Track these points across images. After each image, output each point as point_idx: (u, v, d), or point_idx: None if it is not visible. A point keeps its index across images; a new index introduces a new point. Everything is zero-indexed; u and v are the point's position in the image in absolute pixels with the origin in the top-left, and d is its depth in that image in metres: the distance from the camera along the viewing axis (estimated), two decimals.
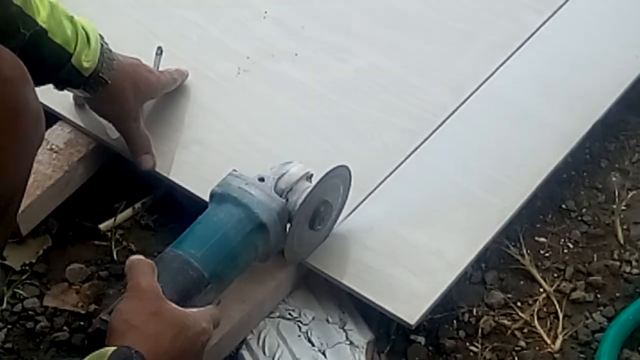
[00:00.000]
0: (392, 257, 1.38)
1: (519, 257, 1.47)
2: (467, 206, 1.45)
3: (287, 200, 1.28)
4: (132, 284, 1.14)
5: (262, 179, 1.28)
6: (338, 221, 1.39)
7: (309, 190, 1.28)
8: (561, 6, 1.71)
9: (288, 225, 1.29)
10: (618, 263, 1.48)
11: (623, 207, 1.54)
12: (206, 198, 1.40)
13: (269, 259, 1.31)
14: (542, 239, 1.51)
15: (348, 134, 1.52)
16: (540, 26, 1.69)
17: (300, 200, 1.28)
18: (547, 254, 1.49)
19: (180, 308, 1.13)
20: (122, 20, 1.67)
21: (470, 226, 1.43)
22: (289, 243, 1.30)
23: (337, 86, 1.57)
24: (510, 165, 1.49)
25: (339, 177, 1.32)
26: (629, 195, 1.55)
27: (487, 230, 1.42)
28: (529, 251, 1.48)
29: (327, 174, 1.28)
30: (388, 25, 1.67)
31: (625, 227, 1.52)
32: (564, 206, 1.55)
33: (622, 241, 1.50)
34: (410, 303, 1.34)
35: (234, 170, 1.30)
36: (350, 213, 1.43)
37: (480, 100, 1.58)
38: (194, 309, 1.16)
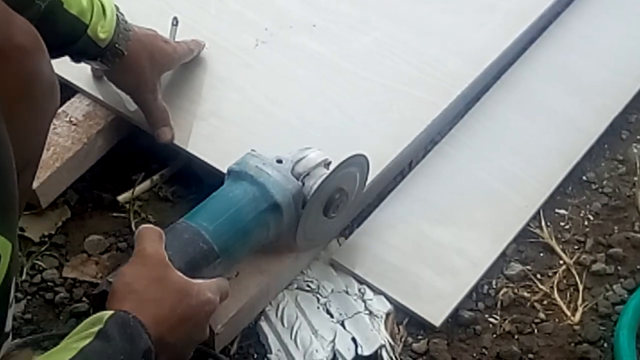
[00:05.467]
0: (416, 255, 1.39)
1: (539, 230, 1.45)
2: (490, 203, 1.45)
3: (303, 184, 1.26)
4: (137, 250, 1.13)
5: (280, 161, 1.27)
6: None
7: (324, 176, 1.26)
8: None
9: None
10: (639, 235, 1.46)
11: None
12: (224, 170, 1.39)
13: (279, 240, 1.29)
14: (562, 211, 1.49)
15: (366, 105, 1.50)
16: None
17: (316, 186, 1.25)
18: (567, 226, 1.47)
19: (185, 277, 1.12)
20: None
21: (492, 224, 1.43)
22: (300, 227, 1.28)
23: (355, 57, 1.55)
24: (531, 161, 1.50)
25: (357, 166, 1.30)
26: None
27: (509, 229, 1.43)
28: (548, 223, 1.46)
29: (344, 161, 1.27)
30: None
31: None
32: (584, 178, 1.53)
33: None
34: (435, 304, 1.34)
35: (253, 150, 1.29)
36: (374, 209, 1.42)
37: (501, 93, 1.58)
38: (199, 280, 1.14)
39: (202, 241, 1.18)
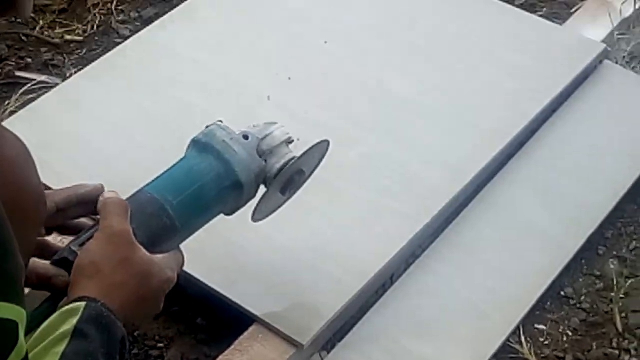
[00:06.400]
0: None
1: (518, 345, 1.45)
2: (470, 317, 1.45)
3: (265, 161, 1.27)
4: (104, 224, 1.11)
5: (246, 137, 1.26)
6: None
7: (291, 160, 1.28)
8: (561, 94, 1.73)
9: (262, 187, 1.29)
10: (617, 351, 1.46)
11: (621, 295, 1.53)
12: (206, 281, 1.40)
13: (233, 214, 1.30)
14: (542, 326, 1.49)
15: (350, 219, 1.52)
16: (540, 115, 1.70)
17: (279, 165, 1.27)
18: (546, 342, 1.47)
19: (148, 254, 1.11)
20: (125, 103, 1.68)
21: (472, 339, 1.43)
22: (259, 204, 1.30)
23: (340, 171, 1.57)
24: (510, 276, 1.50)
25: (319, 150, 1.34)
26: (627, 283, 1.54)
27: (489, 344, 1.43)
28: (528, 338, 1.46)
29: (311, 148, 1.30)
30: (389, 111, 1.68)
31: (623, 315, 1.50)
32: (562, 293, 1.53)
33: (620, 329, 1.48)
34: None
35: (219, 120, 1.28)
36: (357, 322, 1.42)
37: (481, 208, 1.59)
38: (160, 255, 1.14)
39: (166, 216, 1.18)
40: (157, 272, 1.12)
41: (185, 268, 1.39)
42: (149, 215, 1.17)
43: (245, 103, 1.67)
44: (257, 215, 1.33)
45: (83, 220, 1.22)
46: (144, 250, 1.11)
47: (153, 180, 1.22)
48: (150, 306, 1.12)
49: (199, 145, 1.25)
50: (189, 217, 1.21)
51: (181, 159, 1.25)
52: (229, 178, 1.23)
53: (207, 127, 1.26)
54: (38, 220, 1.09)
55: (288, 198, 1.36)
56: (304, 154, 1.28)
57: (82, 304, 1.01)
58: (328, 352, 1.40)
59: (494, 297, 1.48)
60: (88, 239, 1.11)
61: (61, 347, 0.97)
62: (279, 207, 1.36)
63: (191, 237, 1.43)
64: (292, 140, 1.31)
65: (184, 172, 1.23)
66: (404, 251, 1.48)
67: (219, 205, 1.25)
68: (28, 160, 1.07)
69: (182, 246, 1.40)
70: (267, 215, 1.36)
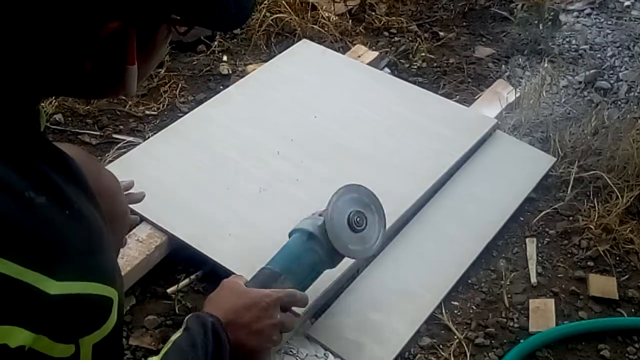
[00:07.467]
0: (361, 331, 1.39)
1: (441, 315, 1.47)
2: (409, 297, 1.46)
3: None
4: (221, 284, 1.13)
5: (314, 214, 1.31)
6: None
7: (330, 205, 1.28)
8: (468, 152, 1.73)
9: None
10: (505, 320, 1.48)
11: (508, 283, 1.54)
12: (237, 271, 1.39)
13: (335, 263, 1.29)
14: (456, 303, 1.50)
15: None
16: (454, 165, 1.71)
17: (323, 217, 1.28)
18: (459, 313, 1.49)
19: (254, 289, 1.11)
20: (185, 157, 1.68)
21: (410, 311, 1.43)
22: (335, 243, 1.26)
23: (324, 202, 1.55)
24: (435, 271, 1.51)
25: (354, 192, 1.31)
26: (512, 275, 1.56)
27: (421, 314, 1.45)
28: (447, 311, 1.48)
29: (335, 193, 1.30)
30: (357, 163, 1.68)
31: (509, 296, 1.52)
32: (469, 281, 1.55)
33: (507, 305, 1.50)
34: None
35: (313, 213, 1.33)
36: (334, 301, 1.42)
37: (417, 225, 1.59)
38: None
39: (266, 268, 1.22)
40: (255, 291, 1.10)
41: (222, 263, 1.42)
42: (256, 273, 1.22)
43: (263, 157, 1.68)
44: (343, 251, 1.28)
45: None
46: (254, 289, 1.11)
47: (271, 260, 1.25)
48: (258, 314, 1.07)
49: (294, 231, 1.30)
50: (285, 264, 1.23)
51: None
52: (304, 234, 1.27)
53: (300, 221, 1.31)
54: (123, 230, 1.15)
55: (374, 232, 1.30)
56: (330, 202, 1.28)
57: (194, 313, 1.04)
58: (316, 319, 1.41)
59: (425, 283, 1.49)
60: None
61: (173, 338, 0.97)
62: (373, 240, 1.31)
63: (226, 242, 1.46)
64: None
65: (285, 246, 1.27)
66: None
67: (308, 253, 1.25)
68: (119, 189, 1.13)
69: (218, 247, 1.43)
70: (367, 251, 1.31)
